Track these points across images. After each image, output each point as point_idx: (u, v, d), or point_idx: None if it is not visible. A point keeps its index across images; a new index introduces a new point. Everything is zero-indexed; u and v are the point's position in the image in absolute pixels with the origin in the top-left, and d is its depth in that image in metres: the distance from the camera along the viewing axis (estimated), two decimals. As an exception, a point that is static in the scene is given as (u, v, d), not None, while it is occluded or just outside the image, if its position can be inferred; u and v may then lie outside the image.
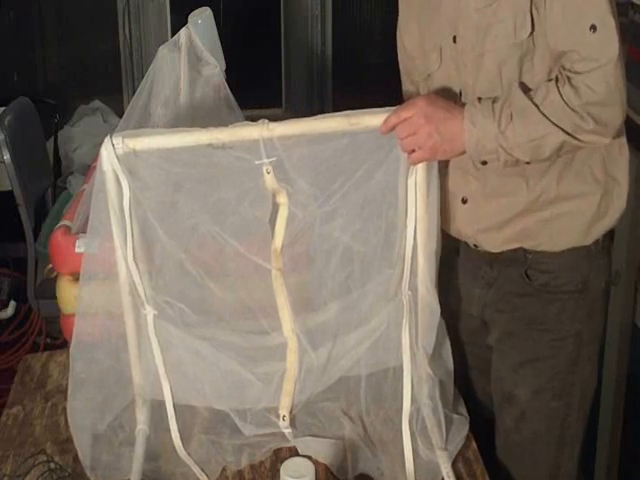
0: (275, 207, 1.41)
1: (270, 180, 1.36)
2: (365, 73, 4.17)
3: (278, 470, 1.23)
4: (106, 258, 1.41)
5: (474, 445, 1.53)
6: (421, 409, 1.52)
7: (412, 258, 1.47)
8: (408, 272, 1.47)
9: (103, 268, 1.43)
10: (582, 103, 1.35)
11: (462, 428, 1.54)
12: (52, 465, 1.43)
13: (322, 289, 1.49)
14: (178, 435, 1.51)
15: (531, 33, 1.40)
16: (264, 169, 1.35)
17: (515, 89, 1.40)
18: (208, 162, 1.36)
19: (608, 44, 1.35)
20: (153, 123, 1.83)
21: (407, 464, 1.48)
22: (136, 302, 1.44)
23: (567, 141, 1.37)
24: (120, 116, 2.31)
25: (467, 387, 1.71)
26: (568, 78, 1.37)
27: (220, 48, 1.90)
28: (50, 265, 1.84)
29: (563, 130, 1.36)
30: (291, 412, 1.53)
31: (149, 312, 1.44)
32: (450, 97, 1.47)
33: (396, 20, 1.64)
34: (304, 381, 1.52)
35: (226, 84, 1.85)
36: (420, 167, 1.40)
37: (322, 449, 1.50)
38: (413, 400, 1.51)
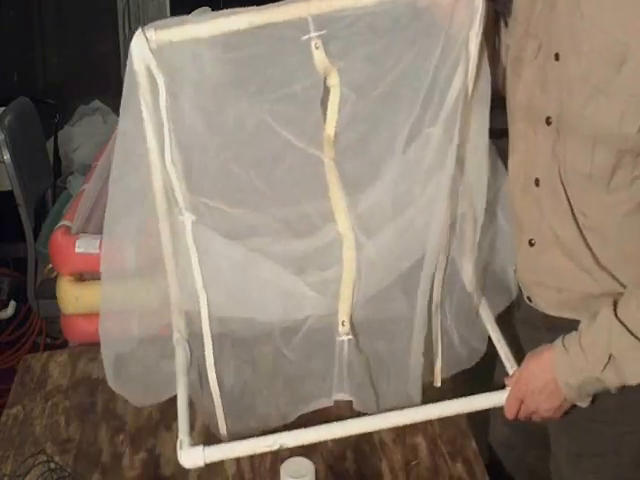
0: (327, 90, 1.30)
1: (320, 57, 1.24)
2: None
3: (278, 470, 1.23)
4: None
5: (474, 445, 1.53)
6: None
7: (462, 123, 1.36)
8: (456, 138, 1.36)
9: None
10: None
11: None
12: (52, 465, 1.43)
13: (377, 177, 1.38)
14: (212, 351, 1.42)
15: None
16: (312, 44, 1.24)
17: (609, 320, 1.26)
18: (251, 43, 1.24)
19: None
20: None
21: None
22: (172, 210, 1.34)
23: None
24: (120, 116, 2.31)
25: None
26: None
27: (220, 48, 1.90)
28: (50, 265, 1.84)
29: None
30: (351, 318, 1.44)
31: (187, 218, 1.33)
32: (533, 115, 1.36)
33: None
34: (364, 279, 1.41)
35: (226, 84, 1.85)
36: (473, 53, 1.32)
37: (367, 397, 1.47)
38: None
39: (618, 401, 1.37)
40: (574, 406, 1.39)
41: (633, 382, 1.29)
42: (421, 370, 1.52)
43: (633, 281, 1.30)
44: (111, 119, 3.84)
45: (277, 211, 1.39)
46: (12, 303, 3.19)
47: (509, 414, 1.41)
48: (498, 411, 1.49)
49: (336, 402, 1.57)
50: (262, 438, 1.38)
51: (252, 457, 1.51)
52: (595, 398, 1.37)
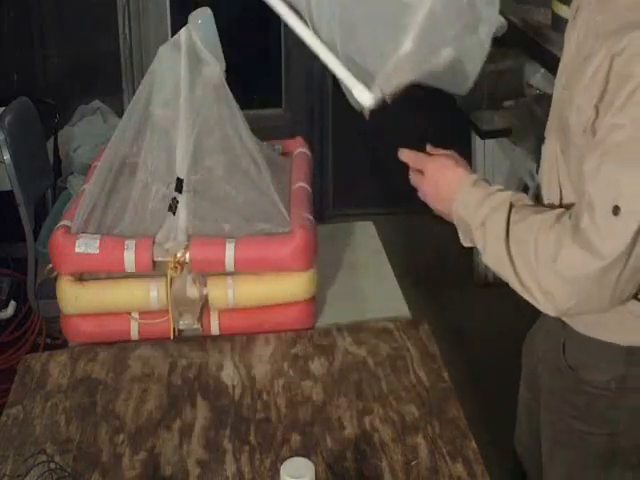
0: None
1: None
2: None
3: (278, 470, 1.23)
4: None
5: (474, 445, 1.53)
6: None
7: None
8: None
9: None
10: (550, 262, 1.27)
11: None
12: (52, 465, 1.43)
13: None
14: None
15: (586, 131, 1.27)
16: None
17: (504, 201, 1.36)
18: None
19: (618, 237, 1.21)
20: (153, 123, 1.83)
21: None
22: None
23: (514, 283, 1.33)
24: (120, 116, 2.30)
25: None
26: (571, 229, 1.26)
27: (220, 48, 1.91)
28: (50, 265, 1.84)
29: (516, 275, 1.32)
30: None
31: None
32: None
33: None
34: None
35: (226, 84, 1.85)
36: None
37: None
38: None
39: (587, 401, 1.42)
40: (552, 392, 1.48)
41: (485, 260, 1.38)
42: None
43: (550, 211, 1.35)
44: (111, 119, 3.84)
45: None
46: (12, 303, 3.19)
47: (404, 157, 1.51)
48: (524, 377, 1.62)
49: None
50: None
51: (252, 457, 1.51)
52: (569, 390, 1.44)
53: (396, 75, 1.38)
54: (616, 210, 1.20)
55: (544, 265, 1.28)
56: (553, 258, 1.27)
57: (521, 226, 1.33)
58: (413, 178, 1.52)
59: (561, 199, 1.40)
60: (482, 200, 1.38)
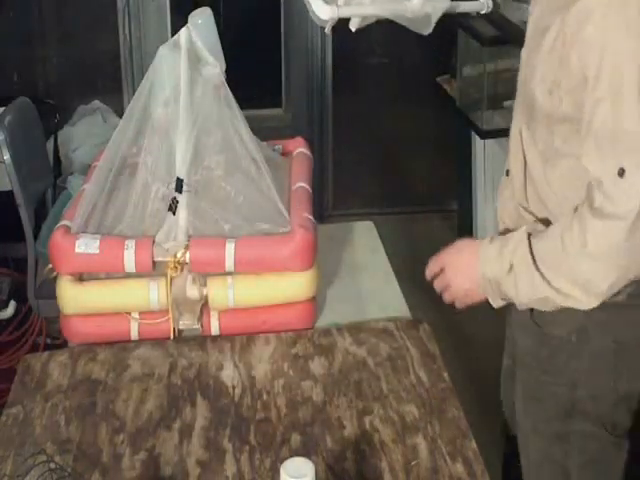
0: None
1: None
2: (365, 73, 4.16)
3: (278, 470, 1.23)
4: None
5: (474, 445, 1.53)
6: None
7: None
8: None
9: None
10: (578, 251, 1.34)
11: None
12: (52, 465, 1.43)
13: None
14: None
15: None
16: None
17: (524, 243, 1.41)
18: None
19: (631, 195, 1.28)
20: (153, 123, 1.83)
21: None
22: None
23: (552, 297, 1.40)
24: (120, 116, 2.30)
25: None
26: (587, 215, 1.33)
27: (220, 48, 1.91)
28: (50, 265, 1.84)
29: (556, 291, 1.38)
30: None
31: None
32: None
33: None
34: None
35: (226, 84, 1.85)
36: None
37: None
38: None
39: (550, 353, 1.51)
40: (521, 348, 1.56)
41: (522, 302, 1.45)
42: None
43: (559, 219, 1.42)
44: (111, 119, 3.84)
45: None
46: (12, 303, 3.19)
47: (427, 272, 1.60)
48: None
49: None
50: None
51: (252, 457, 1.51)
52: (535, 345, 1.53)
53: (359, 4, 1.48)
54: (621, 172, 1.26)
55: (575, 256, 1.34)
56: (583, 243, 1.32)
57: (545, 240, 1.39)
58: (436, 283, 1.58)
59: (525, 170, 1.48)
60: (502, 248, 1.44)
